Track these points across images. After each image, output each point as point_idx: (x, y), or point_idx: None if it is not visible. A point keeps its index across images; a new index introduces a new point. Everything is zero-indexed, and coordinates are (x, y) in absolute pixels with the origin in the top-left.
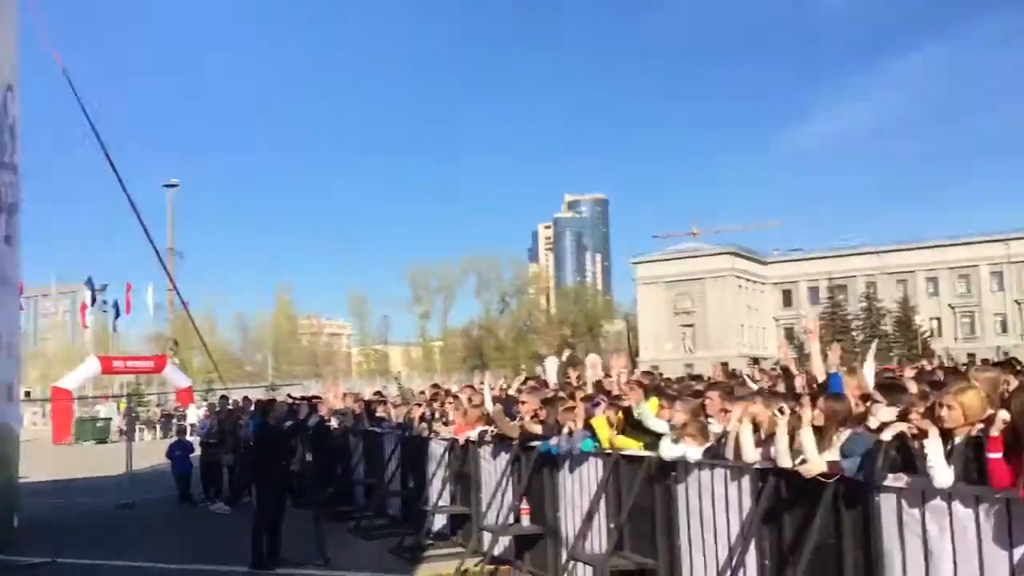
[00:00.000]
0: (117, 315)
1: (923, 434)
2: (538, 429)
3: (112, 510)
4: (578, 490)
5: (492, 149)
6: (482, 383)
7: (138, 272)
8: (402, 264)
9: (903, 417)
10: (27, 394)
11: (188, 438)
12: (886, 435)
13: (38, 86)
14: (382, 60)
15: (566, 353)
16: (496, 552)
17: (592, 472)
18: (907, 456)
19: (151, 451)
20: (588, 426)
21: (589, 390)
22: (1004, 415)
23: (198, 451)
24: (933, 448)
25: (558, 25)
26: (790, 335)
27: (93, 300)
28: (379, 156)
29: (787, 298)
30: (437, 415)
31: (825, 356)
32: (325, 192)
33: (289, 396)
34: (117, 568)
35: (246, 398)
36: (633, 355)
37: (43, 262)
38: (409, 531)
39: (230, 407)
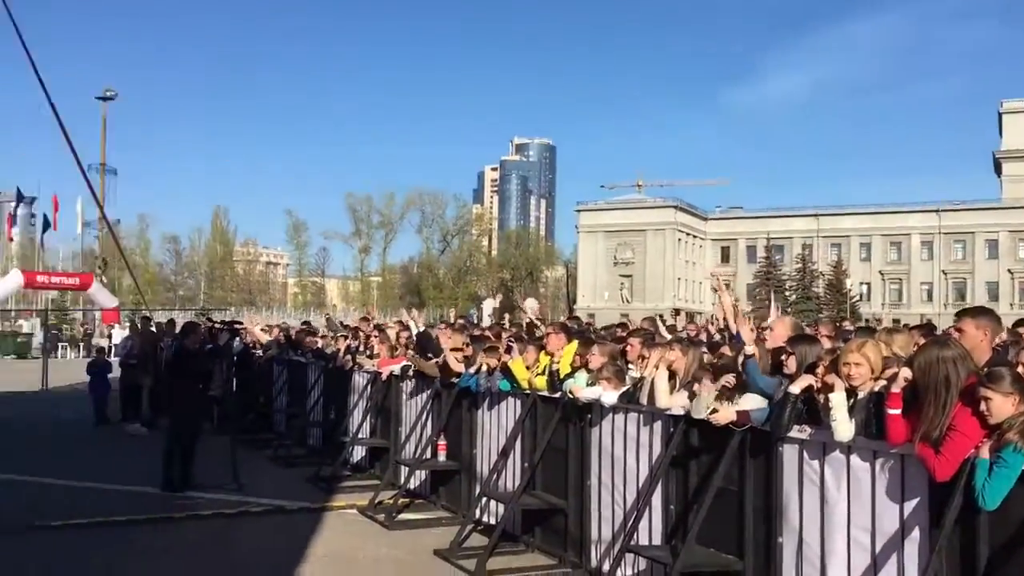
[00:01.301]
0: (45, 229)
1: (828, 388)
2: (460, 367)
3: (28, 427)
4: (495, 428)
5: (445, 87)
6: (411, 319)
7: (71, 184)
8: (344, 196)
9: (811, 370)
10: None
11: (109, 359)
12: (794, 388)
13: None
14: None
15: (499, 297)
16: (411, 486)
17: (509, 411)
18: (812, 408)
19: (71, 369)
20: (506, 367)
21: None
22: (906, 372)
23: (118, 372)
24: (837, 402)
25: None
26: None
27: (17, 212)
28: (332, 78)
29: (725, 255)
30: (363, 348)
31: (736, 309)
32: (273, 113)
33: (209, 320)
34: (30, 485)
35: (170, 320)
36: (571, 303)
37: None
38: (327, 461)
39: (152, 329)
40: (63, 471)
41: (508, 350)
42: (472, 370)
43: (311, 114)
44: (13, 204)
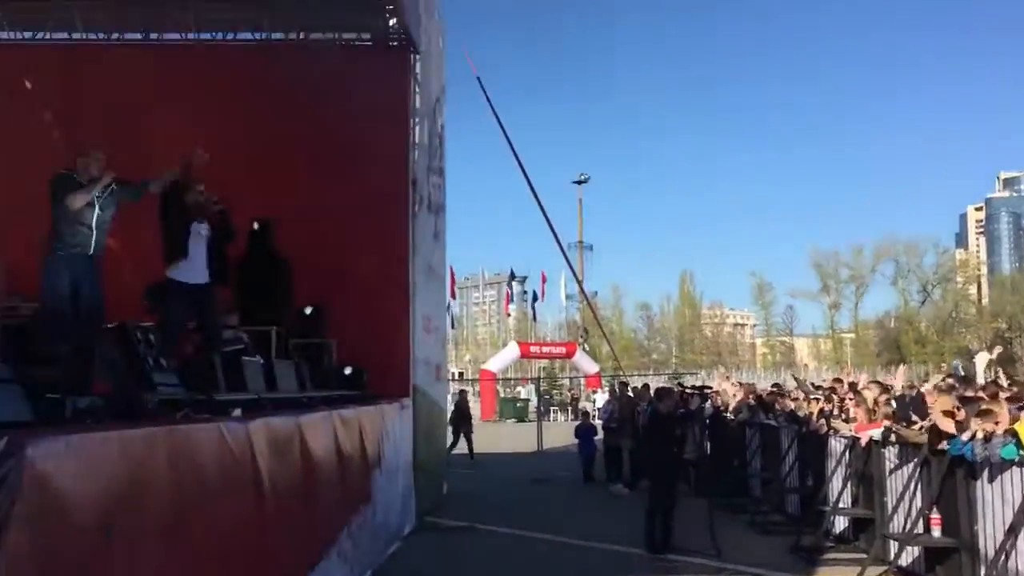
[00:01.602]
0: (535, 304)
1: None
2: (951, 428)
3: (525, 484)
4: (998, 501)
5: (907, 128)
6: (895, 378)
7: (557, 260)
8: (808, 251)
9: None
10: (460, 375)
11: (592, 421)
12: None
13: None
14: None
15: (997, 350)
16: (902, 563)
17: (1016, 483)
18: None
19: (561, 432)
20: (1012, 431)
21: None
22: None
23: (601, 434)
24: None
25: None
26: None
27: (513, 291)
28: (768, 137)
29: None
30: (837, 411)
31: None
32: (726, 178)
33: (680, 385)
34: (526, 539)
35: (645, 385)
36: None
37: (474, 256)
38: (807, 530)
39: (629, 394)
40: (557, 528)
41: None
42: (966, 436)
43: (771, 172)
44: (509, 284)
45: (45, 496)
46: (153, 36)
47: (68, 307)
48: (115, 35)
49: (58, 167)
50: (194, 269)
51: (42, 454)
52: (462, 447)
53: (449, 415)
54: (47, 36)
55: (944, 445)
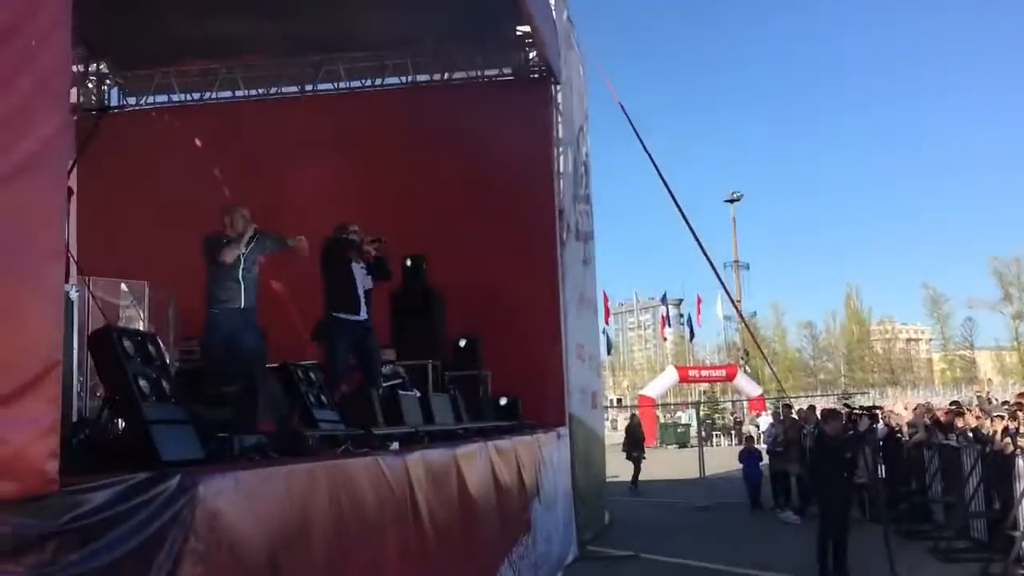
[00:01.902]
0: (691, 327)
1: None
2: None
3: (688, 511)
4: None
5: None
6: None
7: (711, 283)
8: (987, 260)
9: None
10: (618, 401)
11: (756, 446)
12: None
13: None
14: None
15: None
16: None
17: None
18: None
19: (725, 456)
20: None
21: None
22: None
23: (766, 459)
24: None
25: None
26: None
27: (669, 314)
28: (942, 131)
29: None
30: (1023, 429)
31: None
32: (888, 183)
33: (846, 406)
34: (694, 569)
35: (811, 407)
36: None
37: (627, 281)
38: (996, 556)
39: (794, 416)
40: (727, 557)
41: None
42: None
43: (932, 179)
44: (665, 308)
45: (216, 532)
46: (308, 88)
47: (226, 361)
48: (273, 90)
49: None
50: (355, 308)
51: (213, 491)
52: (625, 476)
53: (622, 442)
54: (214, 96)
55: None
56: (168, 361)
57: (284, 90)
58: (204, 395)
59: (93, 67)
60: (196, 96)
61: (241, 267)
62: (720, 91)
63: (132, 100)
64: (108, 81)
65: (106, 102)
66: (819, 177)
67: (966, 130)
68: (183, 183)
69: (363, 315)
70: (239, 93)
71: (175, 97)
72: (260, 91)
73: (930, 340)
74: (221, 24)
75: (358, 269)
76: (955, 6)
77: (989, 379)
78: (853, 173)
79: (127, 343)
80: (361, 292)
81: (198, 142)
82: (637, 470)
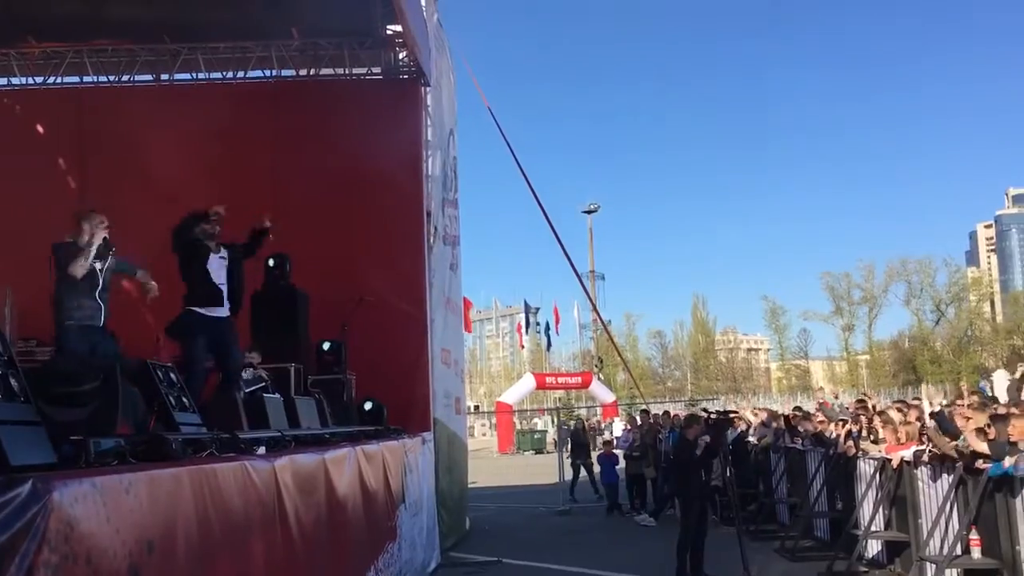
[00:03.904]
0: (549, 336)
1: None
2: (984, 448)
3: (548, 516)
4: None
5: (912, 147)
6: (916, 399)
7: (567, 291)
8: (819, 272)
9: None
10: (476, 408)
11: (613, 451)
12: None
13: (467, 124)
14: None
15: (1020, 368)
16: None
17: None
18: None
19: None
20: None
21: None
22: None
23: (623, 463)
24: None
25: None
26: None
27: (527, 322)
28: (784, 150)
29: None
30: (865, 432)
31: None
32: (733, 197)
33: (704, 411)
34: (555, 573)
35: (666, 413)
36: None
37: (486, 288)
38: (839, 555)
39: (651, 421)
40: (586, 560)
41: None
42: (1008, 462)
43: (771, 191)
44: (524, 316)
45: (72, 542)
46: (164, 78)
47: (80, 363)
48: (125, 77)
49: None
50: (211, 301)
51: (69, 498)
52: (484, 482)
53: (568, 446)
54: (59, 80)
55: (983, 464)
56: (14, 357)
57: (137, 78)
58: (55, 394)
59: None
60: (39, 80)
61: (100, 287)
62: (576, 104)
63: None
64: None
65: None
66: (671, 190)
67: (803, 145)
68: (23, 170)
69: (222, 311)
70: (87, 79)
71: (15, 80)
72: (111, 78)
73: (768, 350)
74: (67, 5)
75: (216, 259)
76: (799, 25)
77: (821, 387)
78: (702, 186)
79: None
80: (221, 285)
81: (40, 128)
82: (592, 475)
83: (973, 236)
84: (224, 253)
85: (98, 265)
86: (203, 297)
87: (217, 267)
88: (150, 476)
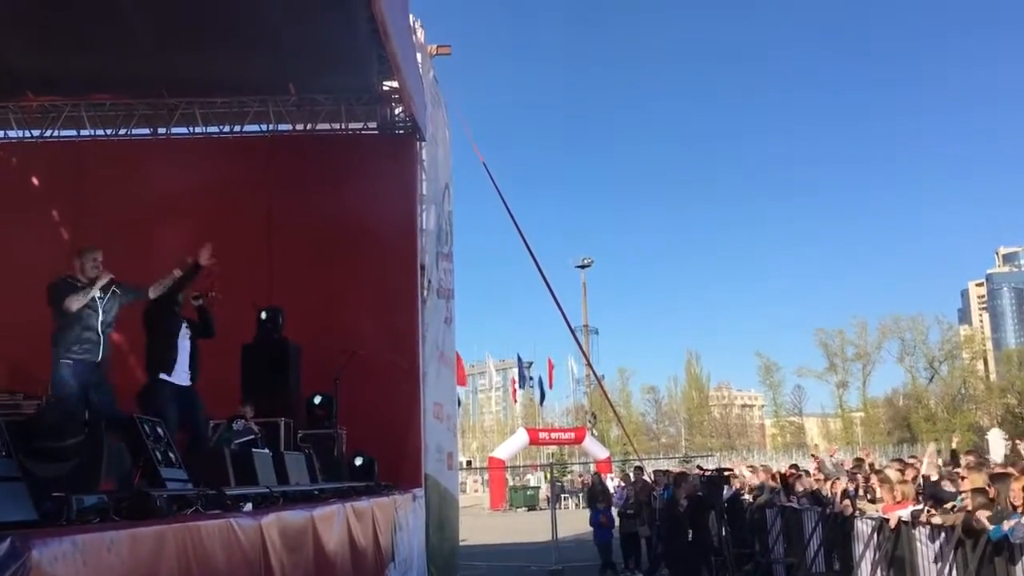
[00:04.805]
0: (542, 390)
1: None
2: (984, 512)
3: (540, 573)
4: None
5: (904, 205)
6: (912, 457)
7: (561, 346)
8: (813, 329)
9: None
10: (468, 463)
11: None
12: None
13: (463, 178)
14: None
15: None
16: None
17: None
18: None
19: (573, 519)
20: None
21: None
22: None
23: (617, 521)
24: None
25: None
26: None
27: (521, 376)
28: (779, 207)
29: None
30: (862, 491)
31: None
32: (727, 255)
33: (699, 467)
34: None
35: (664, 471)
36: None
37: (479, 342)
38: None
39: (645, 479)
40: None
41: None
42: (1007, 525)
43: (772, 253)
44: (517, 371)
45: None
46: (161, 131)
47: (78, 408)
48: (123, 131)
49: (57, 274)
50: (179, 372)
51: (49, 557)
52: (475, 539)
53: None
54: (56, 134)
55: (985, 523)
56: None
57: (135, 132)
58: (37, 448)
59: None
60: (36, 133)
61: (100, 319)
62: (569, 165)
63: None
64: None
65: None
66: (666, 247)
67: (795, 203)
68: (18, 223)
69: (187, 380)
70: (84, 132)
71: (12, 133)
72: (108, 131)
73: (762, 406)
74: (66, 60)
75: (184, 332)
76: (791, 86)
77: (816, 444)
78: (696, 244)
79: None
80: (185, 357)
81: (35, 181)
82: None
83: (965, 294)
84: (186, 324)
85: (97, 295)
86: (168, 363)
87: (183, 340)
88: (132, 534)
